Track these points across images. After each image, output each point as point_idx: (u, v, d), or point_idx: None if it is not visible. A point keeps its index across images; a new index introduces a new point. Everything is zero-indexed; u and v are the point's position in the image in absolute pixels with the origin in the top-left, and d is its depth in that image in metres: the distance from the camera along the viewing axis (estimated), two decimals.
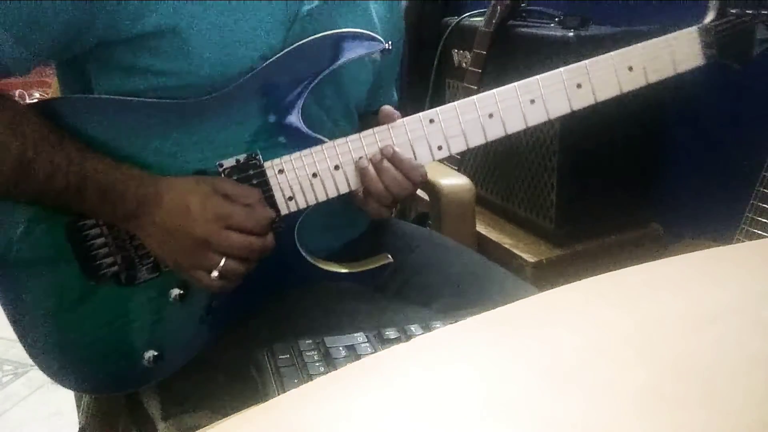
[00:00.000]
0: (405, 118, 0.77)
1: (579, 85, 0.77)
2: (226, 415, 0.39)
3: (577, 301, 0.47)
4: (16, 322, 0.78)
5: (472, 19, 1.64)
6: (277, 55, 0.73)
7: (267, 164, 0.75)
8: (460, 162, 1.53)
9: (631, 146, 1.45)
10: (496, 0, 1.49)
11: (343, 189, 0.77)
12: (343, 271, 0.82)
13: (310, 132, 0.75)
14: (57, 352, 0.79)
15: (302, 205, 0.77)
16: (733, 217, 1.15)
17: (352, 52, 0.75)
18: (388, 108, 0.77)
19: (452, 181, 1.23)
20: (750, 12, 0.81)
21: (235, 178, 0.74)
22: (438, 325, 0.65)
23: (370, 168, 0.76)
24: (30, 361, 0.80)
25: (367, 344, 0.62)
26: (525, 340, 0.43)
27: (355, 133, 0.77)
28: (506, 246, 1.46)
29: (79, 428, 0.93)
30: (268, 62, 0.72)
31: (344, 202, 0.82)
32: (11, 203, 0.73)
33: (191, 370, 0.80)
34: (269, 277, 0.78)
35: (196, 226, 0.70)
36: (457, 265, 0.92)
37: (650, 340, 0.41)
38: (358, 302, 0.81)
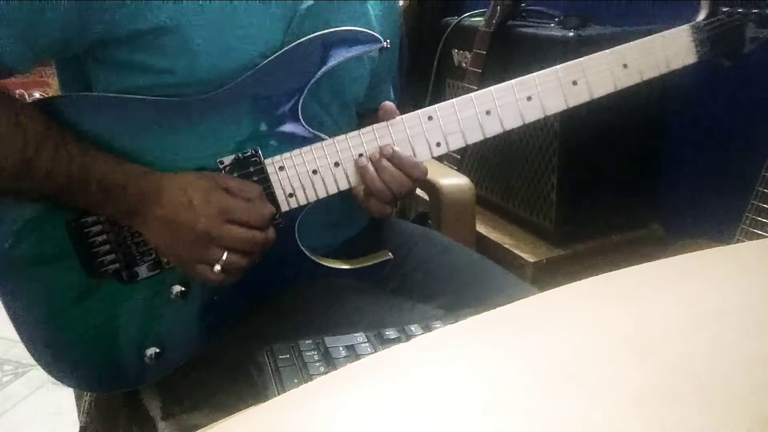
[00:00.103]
0: (404, 115, 0.77)
1: (575, 82, 0.78)
2: (226, 414, 0.39)
3: (577, 301, 0.47)
4: (17, 319, 0.78)
5: (472, 19, 1.64)
6: (277, 53, 0.73)
7: (267, 161, 0.75)
8: (460, 162, 1.53)
9: (631, 146, 1.45)
10: (496, 0, 1.49)
11: (343, 186, 0.77)
12: (343, 267, 0.82)
13: (309, 129, 0.76)
14: (58, 349, 0.79)
15: (302, 201, 0.77)
16: (733, 217, 1.15)
17: (351, 51, 0.75)
18: (387, 104, 0.77)
19: (452, 181, 1.23)
20: (740, 11, 0.83)
21: (235, 175, 0.75)
22: (438, 325, 0.65)
23: (370, 167, 0.76)
24: (30, 361, 0.80)
25: (367, 344, 0.62)
26: (525, 340, 0.43)
27: (353, 130, 0.77)
28: (506, 246, 1.46)
29: (80, 428, 0.93)
30: (268, 60, 0.73)
31: (344, 200, 0.82)
32: (12, 201, 0.73)
33: (191, 370, 0.80)
34: (270, 273, 0.78)
35: (198, 221, 0.70)
36: (456, 264, 0.92)
37: (650, 340, 0.41)
38: (357, 299, 0.81)
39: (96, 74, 0.73)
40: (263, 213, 0.73)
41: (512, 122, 0.78)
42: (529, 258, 1.41)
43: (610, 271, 0.49)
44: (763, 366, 0.37)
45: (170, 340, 0.79)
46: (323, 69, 0.74)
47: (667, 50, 0.80)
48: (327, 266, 0.81)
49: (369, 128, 0.77)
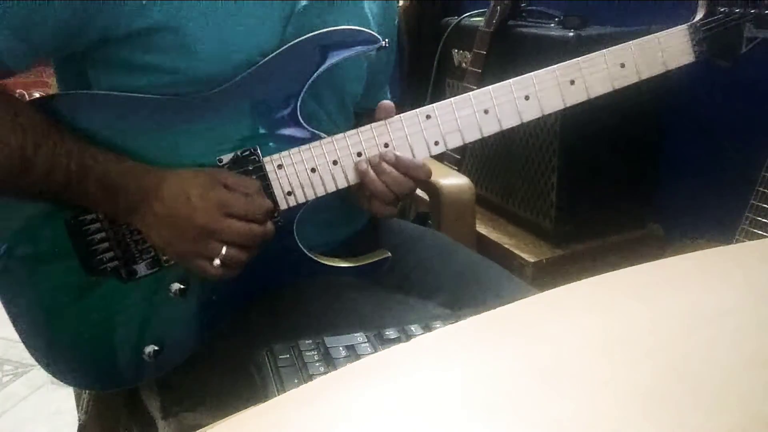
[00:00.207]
0: (402, 114, 0.78)
1: (572, 82, 0.78)
2: (226, 414, 0.39)
3: (577, 301, 0.47)
4: (16, 318, 0.78)
5: (472, 19, 1.64)
6: (276, 52, 0.73)
7: (266, 159, 0.75)
8: (460, 162, 1.53)
9: (631, 146, 1.45)
10: (496, 0, 1.49)
11: (342, 184, 0.77)
12: (342, 265, 0.82)
13: (308, 127, 0.76)
14: (57, 347, 0.79)
15: (301, 200, 0.77)
16: (733, 217, 1.15)
17: (350, 50, 0.75)
18: (385, 103, 0.77)
19: (452, 181, 1.23)
20: (738, 11, 0.83)
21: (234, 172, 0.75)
22: (438, 325, 0.65)
23: (371, 170, 0.76)
24: (30, 361, 0.80)
25: (367, 344, 0.62)
26: (525, 340, 0.43)
27: (351, 129, 0.77)
28: (506, 246, 1.46)
29: (79, 426, 0.93)
30: (266, 59, 0.73)
31: (343, 199, 0.83)
32: (11, 199, 0.73)
33: (191, 369, 0.80)
34: (268, 271, 0.78)
35: (196, 215, 0.70)
36: (456, 264, 0.92)
37: (650, 340, 0.41)
38: (357, 299, 0.81)
39: (94, 73, 0.73)
40: (261, 207, 0.73)
41: (510, 121, 0.78)
42: (529, 258, 1.41)
43: (610, 271, 0.49)
44: (763, 366, 0.37)
45: (169, 338, 0.79)
46: (322, 68, 0.74)
47: (665, 50, 0.80)
48: (325, 264, 0.81)
49: (367, 127, 0.77)
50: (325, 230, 0.87)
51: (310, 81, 0.74)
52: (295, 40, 0.73)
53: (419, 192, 1.26)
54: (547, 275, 1.40)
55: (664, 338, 0.41)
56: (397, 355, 0.43)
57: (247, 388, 0.63)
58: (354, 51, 0.75)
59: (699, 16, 0.83)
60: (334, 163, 0.77)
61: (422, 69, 1.85)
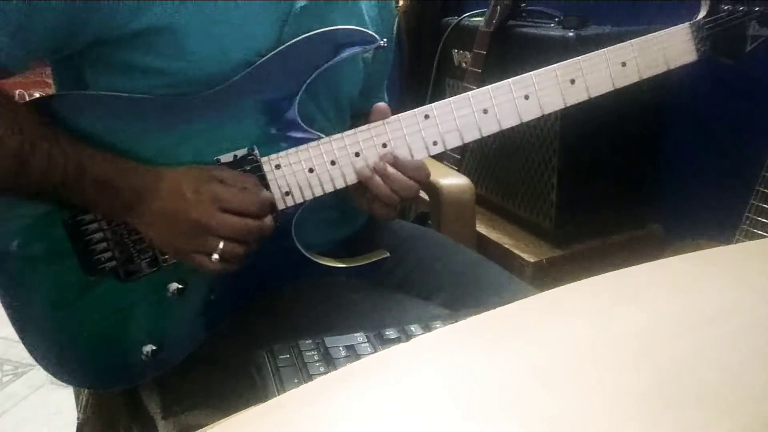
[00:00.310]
0: (400, 114, 0.77)
1: (572, 81, 0.78)
2: (226, 414, 0.39)
3: (577, 301, 0.47)
4: (15, 318, 0.78)
5: (472, 19, 1.64)
6: (274, 52, 0.73)
7: (264, 159, 0.75)
8: (460, 162, 1.53)
9: (631, 146, 1.45)
10: (496, 0, 1.49)
11: (340, 184, 0.77)
12: (339, 265, 0.82)
13: (306, 128, 0.76)
14: (56, 347, 0.79)
15: (299, 200, 0.77)
16: (733, 217, 1.15)
17: (348, 49, 0.75)
18: (380, 105, 0.77)
19: (452, 181, 1.23)
20: (741, 9, 0.82)
21: None
22: (438, 325, 0.65)
23: (376, 175, 0.76)
24: (30, 361, 0.80)
25: (367, 344, 0.62)
26: (525, 340, 0.43)
27: (347, 130, 0.77)
28: (506, 246, 1.46)
29: (78, 425, 0.93)
30: (264, 59, 0.73)
31: (342, 199, 0.82)
32: (8, 199, 0.73)
33: (191, 369, 0.80)
34: (266, 271, 0.78)
35: (192, 210, 0.71)
36: (456, 264, 0.92)
37: (650, 340, 0.41)
38: (357, 299, 0.81)
39: (91, 74, 0.74)
40: (257, 201, 0.73)
41: (510, 121, 0.78)
42: (529, 258, 1.41)
43: (610, 271, 0.49)
44: (763, 366, 0.37)
45: (167, 338, 0.79)
46: (320, 68, 0.74)
47: (667, 49, 0.79)
48: (323, 264, 0.81)
49: (365, 127, 0.77)
50: (324, 230, 0.87)
51: (308, 81, 0.74)
52: (293, 40, 0.73)
53: (419, 192, 1.26)
54: (547, 275, 1.40)
55: (664, 338, 0.41)
56: (397, 355, 0.43)
57: (247, 388, 0.63)
58: (353, 51, 0.75)
59: (702, 14, 0.82)
60: (332, 163, 0.77)
61: (422, 69, 1.85)
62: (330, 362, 0.60)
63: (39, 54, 0.71)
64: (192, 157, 0.74)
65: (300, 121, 0.75)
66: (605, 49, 0.78)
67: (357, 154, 0.77)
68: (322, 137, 0.76)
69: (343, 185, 0.78)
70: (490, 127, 0.78)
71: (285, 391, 0.57)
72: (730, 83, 1.34)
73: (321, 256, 0.82)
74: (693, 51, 0.80)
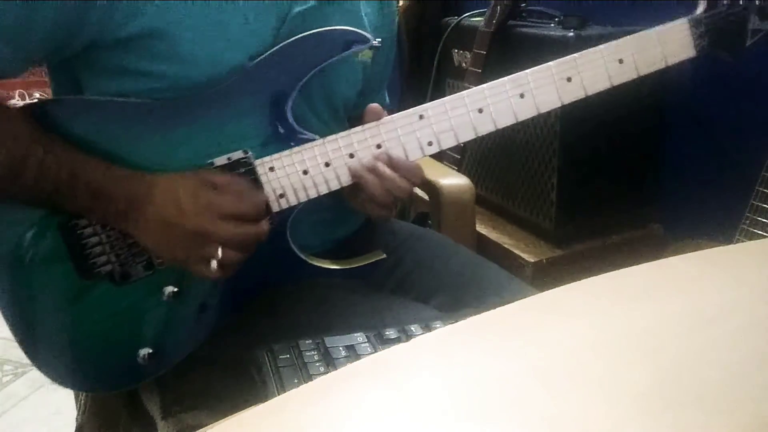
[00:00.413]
0: (394, 115, 0.77)
1: (569, 79, 0.77)
2: (226, 414, 0.39)
3: (577, 301, 0.47)
4: (11, 321, 0.78)
5: (472, 19, 1.64)
6: (266, 53, 0.73)
7: (257, 162, 0.75)
8: (460, 162, 1.53)
9: (632, 146, 1.45)
10: (496, 0, 1.49)
11: (334, 186, 0.77)
12: (334, 267, 0.82)
13: (300, 129, 0.76)
14: (52, 350, 0.79)
15: (293, 202, 0.77)
16: (733, 217, 1.15)
17: (341, 50, 0.75)
18: (373, 106, 0.77)
19: (452, 181, 1.23)
20: (742, 2, 0.80)
21: None
22: (438, 325, 0.65)
23: (369, 174, 0.76)
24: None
25: (367, 344, 0.62)
26: (525, 340, 0.43)
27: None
28: (506, 246, 1.46)
29: (77, 427, 0.93)
30: (257, 60, 0.72)
31: (338, 199, 0.82)
32: (4, 204, 0.73)
33: (191, 370, 0.80)
34: (262, 273, 0.78)
35: (188, 220, 0.70)
36: (456, 264, 0.92)
37: (650, 340, 0.41)
38: (356, 300, 0.81)
39: (85, 77, 0.73)
40: (253, 205, 0.73)
41: (505, 120, 0.77)
42: (529, 258, 1.41)
43: (610, 271, 0.49)
44: (763, 366, 0.37)
45: (163, 341, 0.79)
46: (314, 69, 0.74)
47: (664, 45, 0.78)
48: (318, 266, 0.81)
49: (359, 128, 0.76)
50: (321, 231, 0.87)
51: (301, 83, 0.74)
52: (287, 41, 0.73)
53: (419, 192, 1.26)
54: (547, 275, 1.40)
55: (664, 338, 0.41)
56: (397, 355, 0.43)
57: (247, 388, 0.63)
58: (346, 51, 0.75)
59: (700, 8, 0.80)
60: (327, 165, 0.76)
61: (422, 69, 1.85)
62: (330, 362, 0.60)
63: (34, 59, 0.71)
64: (186, 160, 0.73)
65: (294, 123, 0.75)
66: (602, 46, 0.77)
67: (351, 156, 0.76)
68: (317, 139, 0.76)
69: (338, 187, 0.77)
70: (485, 127, 0.77)
71: (285, 391, 0.57)
72: (730, 83, 1.34)
73: (317, 257, 0.81)
74: (691, 46, 0.79)
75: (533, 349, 0.41)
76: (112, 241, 0.75)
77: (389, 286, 0.90)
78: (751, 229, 1.11)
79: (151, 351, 0.78)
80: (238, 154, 0.74)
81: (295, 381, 0.59)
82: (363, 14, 0.83)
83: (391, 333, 0.64)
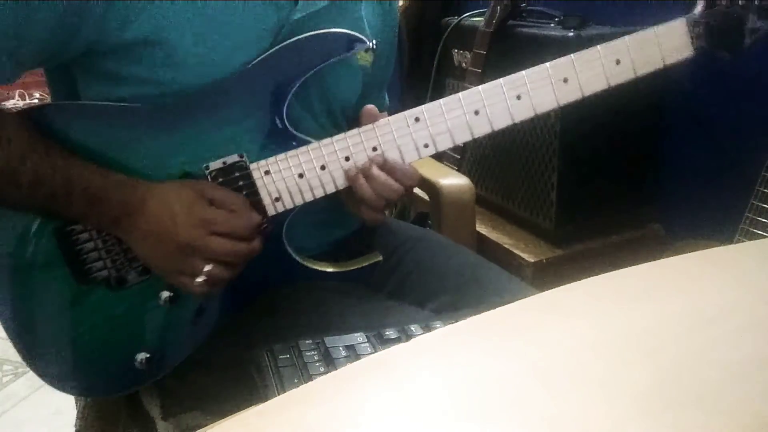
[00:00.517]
0: (390, 117, 0.76)
1: (565, 80, 0.76)
2: (226, 415, 0.39)
3: (577, 301, 0.47)
4: (8, 325, 0.78)
5: (472, 19, 1.64)
6: (262, 56, 0.72)
7: (253, 166, 0.74)
8: (460, 162, 1.53)
9: (632, 146, 1.45)
10: (496, 0, 1.49)
11: (330, 189, 0.77)
12: (331, 270, 0.82)
13: (296, 133, 0.75)
14: (49, 355, 0.79)
15: (289, 205, 0.76)
16: (733, 217, 1.15)
17: (336, 53, 0.74)
18: (369, 107, 0.76)
19: (452, 181, 1.23)
20: (741, 1, 0.79)
21: (221, 180, 0.74)
22: (438, 325, 0.65)
23: (360, 176, 0.75)
24: None
25: (367, 344, 0.62)
26: (525, 340, 0.43)
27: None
28: (506, 246, 1.46)
29: (77, 427, 0.93)
30: (252, 64, 0.72)
31: (335, 201, 0.82)
32: (0, 209, 0.73)
33: (191, 371, 0.80)
34: (257, 277, 0.78)
35: (180, 233, 0.70)
36: (454, 265, 0.92)
37: (650, 340, 0.41)
38: (354, 303, 0.81)
39: (81, 83, 0.73)
40: (248, 223, 0.73)
41: (502, 122, 0.77)
42: (529, 258, 1.41)
43: (610, 271, 0.49)
44: (763, 366, 0.37)
45: (160, 345, 0.79)
46: (310, 72, 0.74)
47: (662, 45, 0.77)
48: (315, 269, 0.80)
49: (355, 131, 0.76)
50: (318, 232, 0.87)
51: (297, 85, 0.74)
52: (282, 44, 0.72)
53: (419, 192, 1.26)
54: (547, 275, 1.40)
55: (665, 338, 0.41)
56: (397, 355, 0.43)
57: (247, 388, 0.63)
58: (341, 54, 0.74)
59: (699, 7, 0.80)
60: (322, 168, 0.76)
61: (422, 69, 1.85)
62: (330, 362, 0.60)
63: (29, 66, 0.71)
64: (181, 164, 0.73)
65: (290, 127, 0.75)
66: (599, 47, 0.77)
67: (347, 159, 0.76)
68: (312, 142, 0.76)
69: (334, 190, 0.77)
70: (481, 129, 0.77)
71: (285, 391, 0.57)
72: (730, 83, 1.34)
73: (313, 260, 0.81)
74: (689, 46, 0.78)
75: (533, 349, 0.41)
76: (108, 247, 0.75)
77: (389, 288, 0.90)
78: (751, 229, 1.11)
79: (148, 355, 0.78)
80: (233, 158, 0.74)
81: (295, 381, 0.59)
82: (364, 19, 0.83)
83: (391, 333, 0.64)
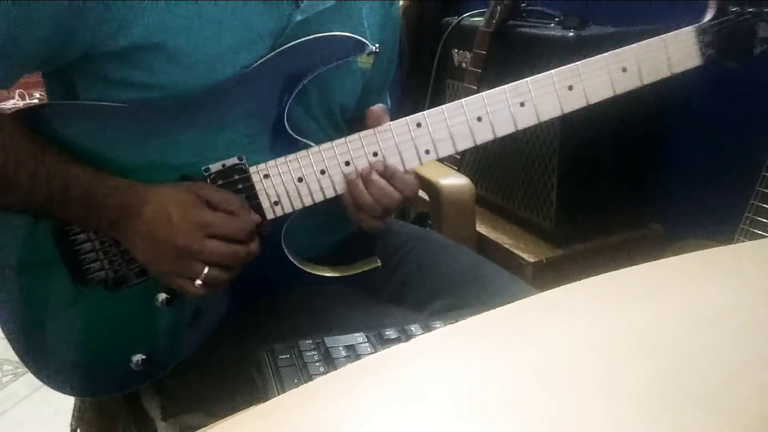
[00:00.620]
0: (392, 122, 0.76)
1: (570, 87, 0.75)
2: (226, 415, 0.39)
3: (577, 301, 0.47)
4: (6, 325, 0.78)
5: (472, 19, 1.64)
6: (263, 60, 0.72)
7: (252, 169, 0.74)
8: (460, 162, 1.53)
9: (632, 146, 1.45)
10: (496, 0, 1.49)
11: (330, 194, 0.76)
12: (329, 274, 0.81)
13: (296, 137, 0.75)
14: (46, 356, 0.79)
15: (288, 209, 0.76)
16: (733, 217, 1.15)
17: (338, 56, 0.74)
18: (374, 109, 0.76)
19: (452, 181, 1.23)
20: (751, 10, 0.78)
21: (220, 183, 0.74)
22: (438, 325, 0.65)
23: (360, 182, 0.75)
24: None
25: (367, 344, 0.62)
26: (525, 340, 0.43)
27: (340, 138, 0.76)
28: (506, 246, 1.46)
29: (72, 427, 0.93)
30: (253, 66, 0.72)
31: (334, 204, 0.82)
32: None
33: (191, 371, 0.80)
34: (255, 280, 0.77)
35: (178, 235, 0.70)
36: (454, 265, 0.92)
37: (650, 340, 0.41)
38: (354, 306, 0.80)
39: (80, 86, 0.73)
40: (246, 226, 0.72)
41: (504, 129, 0.76)
42: (529, 258, 1.41)
43: (610, 271, 0.49)
44: (763, 366, 0.37)
45: (157, 347, 0.78)
46: (310, 75, 0.73)
47: (670, 53, 0.77)
48: (313, 273, 0.80)
49: (356, 135, 0.75)
50: (317, 235, 0.87)
51: (297, 88, 0.73)
52: (282, 47, 0.72)
53: (419, 192, 1.26)
54: (547, 275, 1.40)
55: (664, 338, 0.41)
56: (397, 355, 0.43)
57: (247, 388, 0.63)
58: (342, 57, 0.74)
59: (708, 16, 0.79)
60: (322, 172, 0.75)
61: (422, 69, 1.85)
62: (330, 362, 0.60)
63: (26, 70, 0.70)
64: (181, 167, 0.73)
65: (289, 130, 0.74)
66: (605, 54, 0.76)
67: (347, 163, 0.75)
68: (312, 146, 0.75)
69: (333, 194, 0.76)
70: (484, 135, 0.76)
71: (285, 391, 0.57)
72: (730, 83, 1.34)
73: (312, 264, 0.81)
74: (697, 55, 0.77)
75: (533, 349, 0.41)
76: (105, 248, 0.75)
77: (390, 287, 0.90)
78: (751, 229, 1.11)
79: (144, 357, 0.78)
80: (232, 161, 0.74)
81: (295, 381, 0.59)
82: (365, 23, 0.83)
83: (391, 333, 0.64)
